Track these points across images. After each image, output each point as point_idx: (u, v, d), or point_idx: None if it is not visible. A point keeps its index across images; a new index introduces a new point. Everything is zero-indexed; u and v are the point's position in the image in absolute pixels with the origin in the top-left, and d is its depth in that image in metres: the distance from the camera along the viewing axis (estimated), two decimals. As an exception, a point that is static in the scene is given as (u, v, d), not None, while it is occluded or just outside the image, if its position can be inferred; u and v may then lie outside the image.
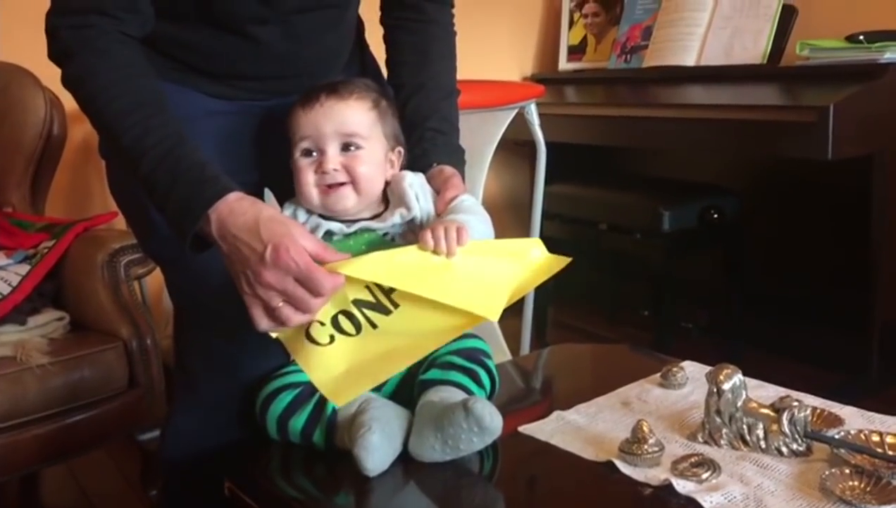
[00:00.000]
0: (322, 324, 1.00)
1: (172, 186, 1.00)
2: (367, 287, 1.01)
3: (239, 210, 0.98)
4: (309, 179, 1.08)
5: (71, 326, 1.90)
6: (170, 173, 1.00)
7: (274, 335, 1.02)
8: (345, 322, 1.01)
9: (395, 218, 1.09)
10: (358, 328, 1.01)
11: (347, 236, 1.10)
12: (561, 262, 1.07)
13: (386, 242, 1.09)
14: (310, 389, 1.06)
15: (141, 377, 1.88)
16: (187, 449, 1.18)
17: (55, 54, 1.05)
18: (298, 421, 1.07)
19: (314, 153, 1.09)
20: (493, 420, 1.00)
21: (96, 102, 1.03)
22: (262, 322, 0.97)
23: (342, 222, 1.10)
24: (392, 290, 1.01)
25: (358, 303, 1.01)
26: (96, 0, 1.03)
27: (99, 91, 1.02)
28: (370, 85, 1.13)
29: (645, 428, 1.00)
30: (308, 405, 1.07)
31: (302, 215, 1.11)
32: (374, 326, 1.01)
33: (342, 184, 1.08)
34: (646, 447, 0.99)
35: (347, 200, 1.08)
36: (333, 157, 1.08)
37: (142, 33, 1.07)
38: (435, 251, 1.01)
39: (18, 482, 2.08)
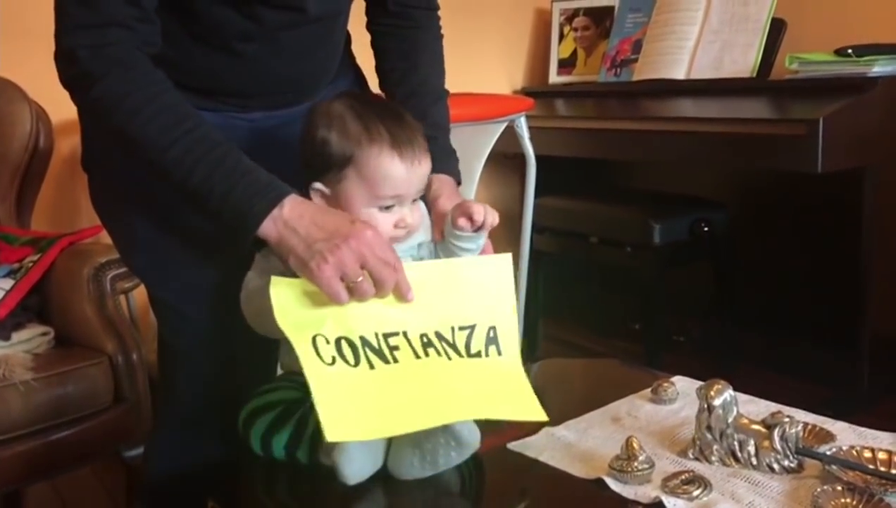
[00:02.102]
0: (327, 342, 0.97)
1: (232, 189, 0.99)
2: (376, 333, 0.99)
3: (304, 203, 1.00)
4: (386, 232, 1.05)
5: (56, 341, 1.88)
6: (227, 177, 0.99)
7: (286, 332, 0.97)
8: (346, 349, 0.98)
9: (417, 242, 1.11)
10: (357, 361, 0.97)
11: None
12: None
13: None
14: (292, 407, 1.04)
15: (127, 392, 1.86)
16: (170, 467, 1.16)
17: (76, 78, 0.99)
18: (281, 439, 1.05)
19: (392, 207, 1.06)
20: (471, 435, 0.99)
21: (133, 122, 0.99)
22: (342, 294, 0.96)
23: None
24: (396, 347, 0.99)
25: (363, 340, 0.98)
26: (113, 11, 0.98)
27: (135, 110, 0.99)
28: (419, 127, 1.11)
29: (635, 445, 0.99)
30: (290, 422, 1.05)
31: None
32: (371, 367, 0.98)
33: None
34: (636, 464, 0.98)
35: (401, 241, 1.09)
36: (411, 211, 1.07)
37: (155, 49, 1.03)
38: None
39: (2, 500, 2.05)
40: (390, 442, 1.01)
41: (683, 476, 0.98)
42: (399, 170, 1.03)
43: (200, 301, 1.03)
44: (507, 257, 1.11)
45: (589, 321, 3.14)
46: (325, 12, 1.15)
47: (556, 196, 2.93)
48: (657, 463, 1.01)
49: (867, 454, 1.02)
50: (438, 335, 1.03)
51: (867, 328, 2.45)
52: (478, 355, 1.04)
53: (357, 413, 0.94)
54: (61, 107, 1.03)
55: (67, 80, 1.00)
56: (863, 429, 1.12)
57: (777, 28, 2.66)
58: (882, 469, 0.99)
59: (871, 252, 2.42)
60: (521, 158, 2.47)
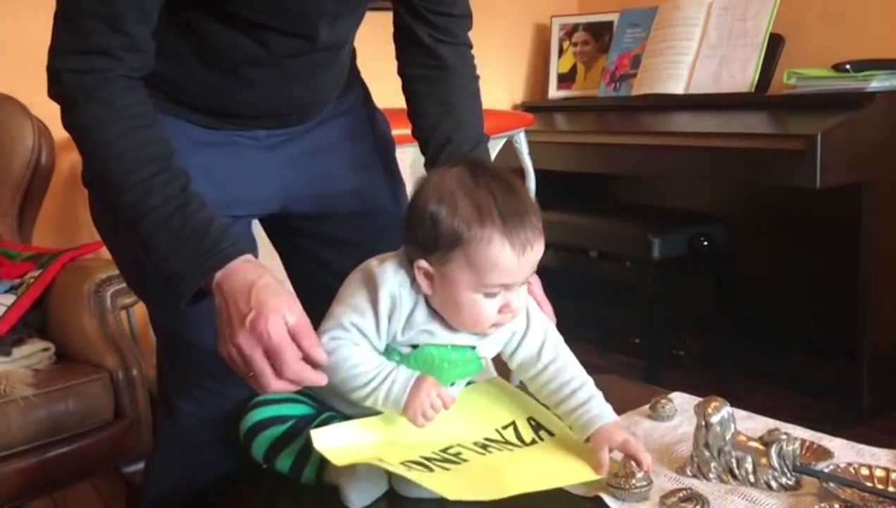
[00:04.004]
0: (391, 464, 0.96)
1: (173, 251, 0.98)
2: (433, 451, 1.00)
3: (239, 271, 0.97)
4: (488, 318, 0.99)
5: (56, 356, 1.89)
6: (170, 238, 0.98)
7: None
8: (415, 466, 0.97)
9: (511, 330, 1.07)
10: (430, 469, 0.97)
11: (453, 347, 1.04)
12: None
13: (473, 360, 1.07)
14: (301, 422, 1.04)
15: (127, 408, 1.87)
16: (172, 487, 1.16)
17: (55, 96, 1.02)
18: (289, 456, 1.05)
19: (498, 293, 0.99)
20: None
21: (100, 156, 1.00)
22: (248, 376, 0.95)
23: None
24: (459, 453, 1.00)
25: (426, 458, 0.99)
26: (98, 40, 0.98)
27: (102, 146, 0.99)
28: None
29: (632, 462, 0.99)
30: (299, 439, 1.05)
31: (406, 303, 1.01)
32: (445, 469, 0.98)
33: None
34: (633, 481, 0.98)
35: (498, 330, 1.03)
36: (518, 296, 1.00)
37: (144, 73, 1.04)
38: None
39: (2, 515, 2.06)
40: None
41: (681, 494, 0.98)
42: (509, 259, 0.95)
43: (199, 322, 1.03)
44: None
45: (589, 335, 3.14)
46: (334, 41, 1.15)
47: (556, 210, 2.93)
48: (655, 480, 1.01)
49: (864, 471, 1.02)
50: (489, 440, 1.05)
51: (866, 342, 2.45)
52: (533, 442, 1.07)
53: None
54: (63, 126, 1.03)
55: (52, 97, 1.03)
56: (861, 446, 1.13)
57: (775, 43, 2.67)
58: (879, 486, 1.00)
59: (870, 266, 2.43)
60: (520, 173, 2.48)
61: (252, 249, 1.24)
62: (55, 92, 1.01)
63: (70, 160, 2.35)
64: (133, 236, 1.01)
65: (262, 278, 0.97)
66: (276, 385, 0.94)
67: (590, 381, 1.06)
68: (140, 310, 2.22)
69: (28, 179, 2.16)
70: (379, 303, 0.98)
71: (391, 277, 0.99)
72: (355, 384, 0.98)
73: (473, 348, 1.05)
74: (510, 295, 0.99)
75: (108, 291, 1.91)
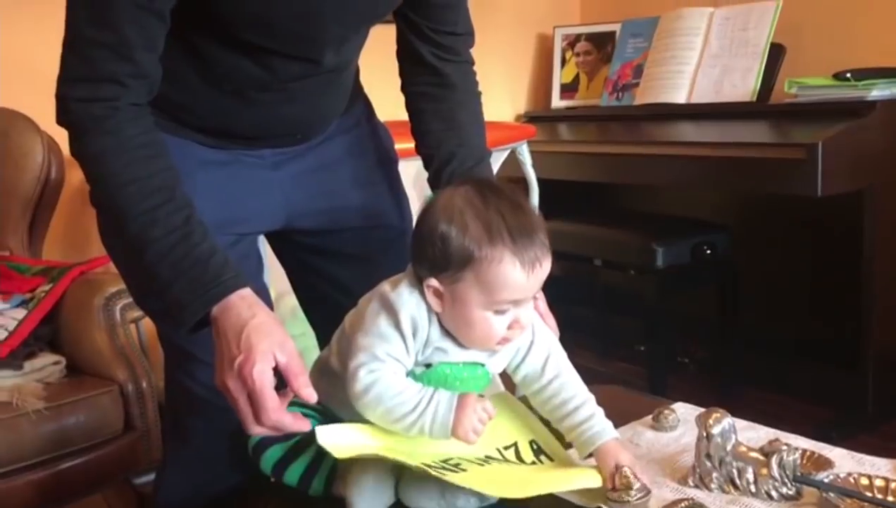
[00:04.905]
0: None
1: (174, 282, 1.00)
2: (433, 460, 1.00)
3: (234, 309, 0.98)
4: (498, 335, 1.00)
5: (67, 370, 1.91)
6: (172, 269, 1.00)
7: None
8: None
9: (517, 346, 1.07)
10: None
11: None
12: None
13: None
14: (308, 437, 1.05)
15: (137, 420, 1.89)
16: (181, 500, 1.17)
17: (63, 124, 1.03)
18: (298, 468, 1.05)
19: (508, 310, 0.99)
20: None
21: (106, 185, 1.02)
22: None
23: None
24: (459, 464, 1.00)
25: (426, 465, 0.99)
26: (106, 68, 0.99)
27: (109, 175, 1.01)
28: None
29: (627, 474, 1.00)
30: (309, 451, 1.05)
31: (425, 322, 1.01)
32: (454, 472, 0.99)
33: None
34: (632, 492, 1.00)
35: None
36: (526, 312, 1.01)
37: (150, 98, 1.05)
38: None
39: (13, 527, 2.08)
40: (401, 476, 1.02)
41: (683, 504, 0.99)
42: (520, 277, 0.96)
43: (205, 338, 1.05)
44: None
45: (593, 343, 3.15)
46: (338, 64, 1.17)
47: (560, 219, 2.95)
48: (658, 491, 1.03)
49: (864, 481, 1.03)
50: (489, 457, 1.06)
51: (871, 349, 2.46)
52: (533, 463, 1.08)
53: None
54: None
55: (60, 124, 1.04)
56: (861, 455, 1.14)
57: (776, 53, 2.69)
58: (879, 496, 1.01)
59: (873, 273, 2.44)
60: (524, 183, 2.50)
61: (258, 269, 1.26)
62: (63, 120, 1.02)
63: (79, 175, 2.34)
64: (137, 262, 1.03)
65: (254, 317, 0.98)
66: (255, 430, 0.97)
67: (591, 399, 1.07)
68: (149, 323, 2.23)
69: (38, 194, 2.19)
70: (402, 326, 0.99)
71: (408, 299, 1.00)
72: (399, 412, 0.98)
73: (483, 364, 1.06)
74: (519, 311, 1.00)
75: (117, 304, 1.94)
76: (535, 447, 1.10)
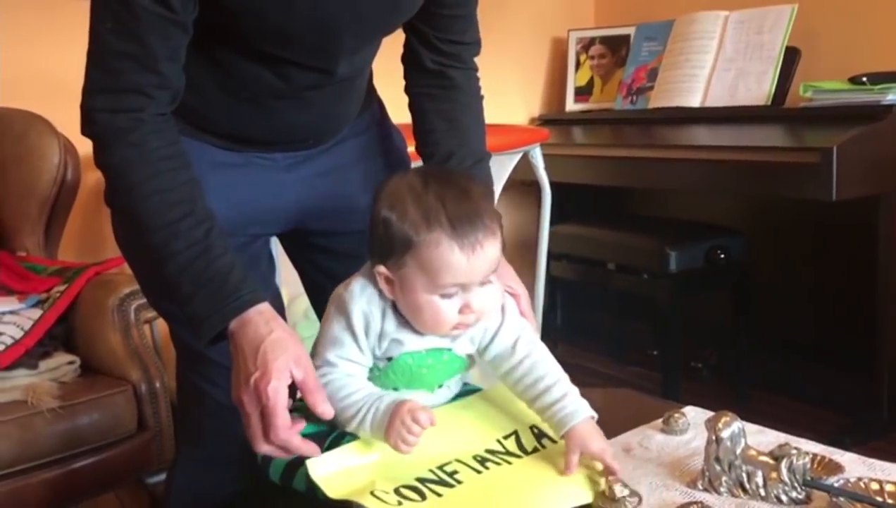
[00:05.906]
0: (386, 493, 0.98)
1: (195, 294, 1.01)
2: (430, 469, 1.01)
3: (252, 324, 0.99)
4: (449, 319, 1.01)
5: (81, 369, 1.92)
6: (193, 282, 1.01)
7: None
8: (408, 492, 0.99)
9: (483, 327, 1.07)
10: (423, 496, 0.99)
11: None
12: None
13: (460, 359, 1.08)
14: (314, 441, 1.06)
15: (150, 420, 1.90)
16: (193, 501, 1.18)
17: (88, 136, 1.04)
18: (304, 477, 1.05)
19: (455, 294, 1.00)
20: None
21: (129, 196, 1.03)
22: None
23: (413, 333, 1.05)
24: (455, 472, 1.01)
25: (421, 480, 1.00)
26: (131, 79, 1.00)
27: (132, 187, 1.02)
28: (490, 196, 1.07)
29: (613, 487, 1.00)
30: None
31: (377, 317, 1.03)
32: (439, 495, 0.99)
33: None
34: (622, 500, 0.99)
35: (469, 329, 1.05)
36: (478, 296, 1.01)
37: (173, 107, 1.06)
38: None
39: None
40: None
41: (692, 507, 0.99)
42: (458, 260, 0.97)
43: (225, 347, 1.05)
44: None
45: (606, 347, 3.15)
46: (351, 73, 1.18)
47: (574, 223, 2.95)
48: (667, 494, 1.02)
49: (875, 486, 1.02)
50: (490, 451, 1.06)
51: (885, 353, 2.45)
52: (535, 450, 1.08)
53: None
54: (88, 141, 1.06)
55: (85, 135, 1.05)
56: (872, 460, 1.13)
57: (791, 56, 2.68)
58: (889, 501, 1.00)
59: (888, 278, 2.43)
60: (537, 186, 2.50)
61: (270, 270, 1.27)
62: (88, 132, 1.03)
63: (95, 176, 2.39)
64: (157, 272, 1.04)
65: (272, 332, 0.99)
66: (262, 448, 0.98)
67: (565, 378, 1.07)
68: (163, 324, 2.25)
69: (54, 195, 2.20)
70: (354, 326, 1.01)
71: (359, 295, 1.03)
72: (346, 415, 1.01)
73: (449, 349, 1.06)
74: (469, 296, 1.00)
75: (132, 305, 1.95)
76: (535, 431, 1.10)
